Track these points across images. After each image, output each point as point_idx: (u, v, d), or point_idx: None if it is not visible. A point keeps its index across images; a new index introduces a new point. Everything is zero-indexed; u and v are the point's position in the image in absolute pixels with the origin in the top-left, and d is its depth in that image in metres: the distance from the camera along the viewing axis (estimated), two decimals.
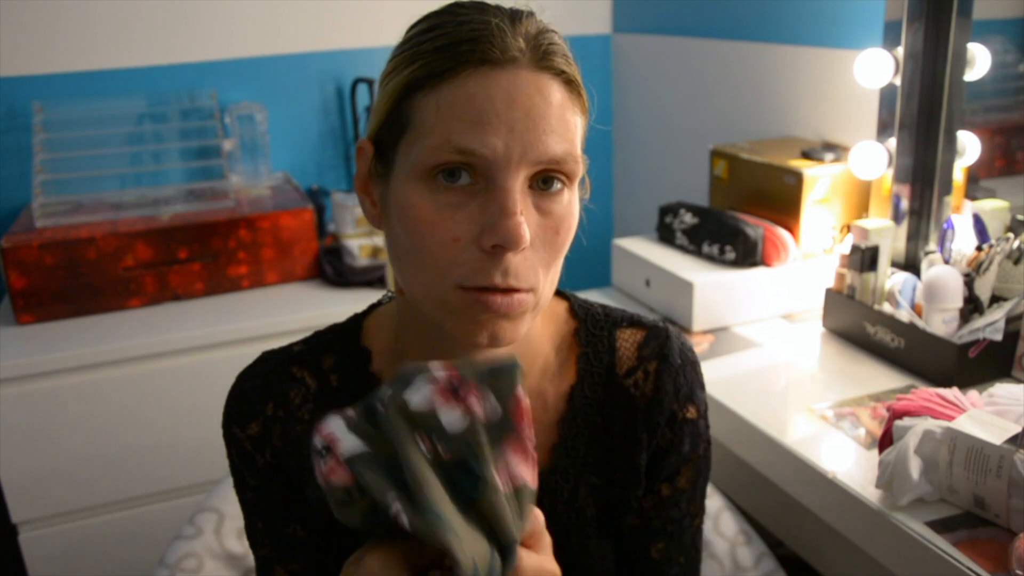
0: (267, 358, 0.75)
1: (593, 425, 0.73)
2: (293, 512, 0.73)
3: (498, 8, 0.61)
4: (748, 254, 1.51)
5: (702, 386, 0.76)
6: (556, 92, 0.59)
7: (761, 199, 1.59)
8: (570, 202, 0.62)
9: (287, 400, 0.73)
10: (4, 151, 1.85)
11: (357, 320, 0.77)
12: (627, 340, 0.74)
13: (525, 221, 0.57)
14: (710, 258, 1.57)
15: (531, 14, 0.62)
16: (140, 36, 1.90)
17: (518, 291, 0.60)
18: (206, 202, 1.77)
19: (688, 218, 1.62)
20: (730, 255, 1.53)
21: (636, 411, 0.73)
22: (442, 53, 0.58)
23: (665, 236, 1.68)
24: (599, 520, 0.74)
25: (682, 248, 1.64)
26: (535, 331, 0.72)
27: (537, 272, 0.61)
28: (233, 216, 1.70)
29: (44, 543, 1.59)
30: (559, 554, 0.63)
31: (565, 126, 0.59)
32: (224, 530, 1.14)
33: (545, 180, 0.60)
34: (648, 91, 2.25)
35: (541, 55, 0.59)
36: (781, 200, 1.54)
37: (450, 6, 0.63)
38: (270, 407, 0.72)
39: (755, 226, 1.53)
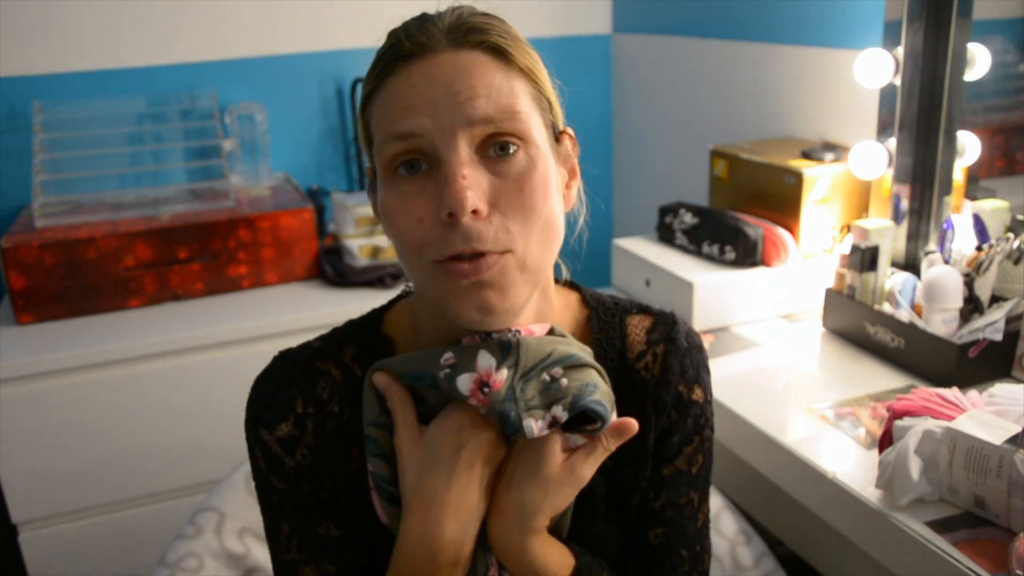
0: (287, 356, 0.76)
1: None
2: (326, 510, 0.74)
3: (429, 13, 0.68)
4: (748, 254, 1.51)
5: (708, 371, 0.78)
6: (478, 61, 0.63)
7: (761, 199, 1.59)
8: (533, 161, 0.64)
9: (316, 395, 0.73)
10: (4, 151, 1.85)
11: (377, 313, 0.79)
12: (637, 326, 0.78)
13: (474, 186, 0.61)
14: (710, 258, 1.57)
15: (459, 8, 0.67)
16: (140, 36, 1.90)
17: (486, 254, 0.62)
18: (206, 202, 1.77)
19: (688, 218, 1.62)
20: (730, 255, 1.53)
21: (646, 392, 0.75)
22: (376, 67, 0.66)
23: (665, 236, 1.68)
24: (608, 499, 0.76)
25: (682, 248, 1.64)
26: (553, 319, 0.74)
27: (509, 233, 0.63)
28: (233, 216, 1.70)
29: (44, 543, 1.58)
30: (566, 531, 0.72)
31: (496, 87, 0.63)
32: (225, 530, 1.14)
33: (501, 146, 0.63)
34: (648, 91, 2.25)
35: (458, 35, 0.64)
36: (781, 200, 1.54)
37: (398, 27, 0.69)
38: (299, 405, 0.73)
39: (755, 226, 1.53)
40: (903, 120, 1.43)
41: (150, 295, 1.67)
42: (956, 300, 1.22)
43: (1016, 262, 1.22)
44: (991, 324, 1.17)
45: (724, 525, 1.19)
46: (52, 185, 1.73)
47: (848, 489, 0.99)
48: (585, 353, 0.69)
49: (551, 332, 0.70)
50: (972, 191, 1.45)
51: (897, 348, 1.27)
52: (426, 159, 0.63)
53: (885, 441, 0.99)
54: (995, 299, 1.23)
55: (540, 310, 0.72)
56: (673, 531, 0.76)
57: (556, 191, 0.67)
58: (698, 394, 0.76)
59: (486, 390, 0.65)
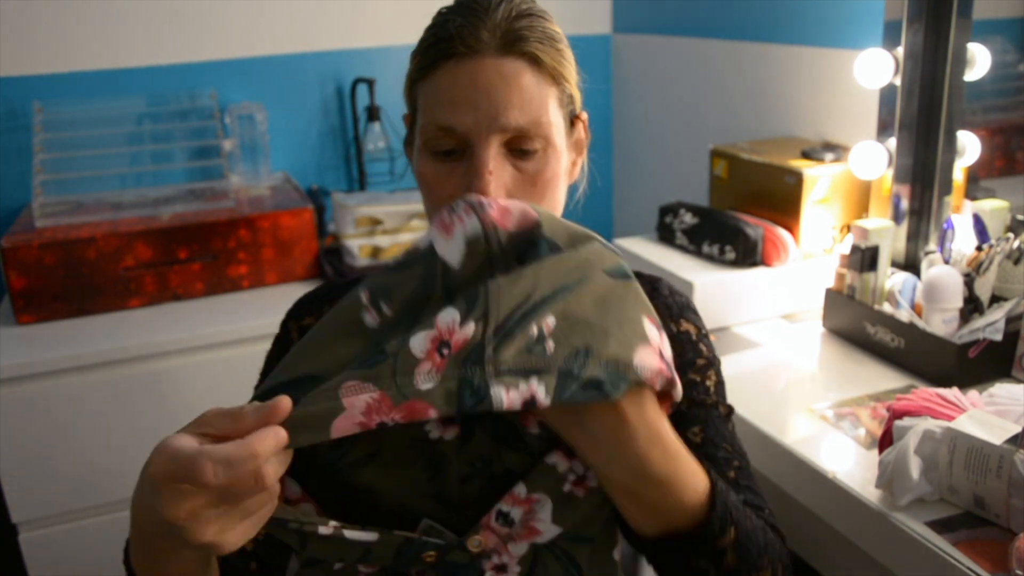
0: (330, 283, 0.88)
1: None
2: None
3: (478, 3, 0.73)
4: (748, 254, 1.51)
5: (696, 314, 0.83)
6: (520, 71, 0.71)
7: (761, 199, 1.59)
8: (548, 159, 0.73)
9: None
10: (4, 151, 1.85)
11: None
12: None
13: (497, 177, 0.70)
14: (710, 258, 1.57)
15: (511, 3, 0.73)
16: (140, 36, 1.90)
17: None
18: (206, 202, 1.77)
19: (688, 218, 1.62)
20: (730, 255, 1.53)
21: None
22: (426, 52, 0.73)
23: (665, 236, 1.68)
24: None
25: (682, 248, 1.64)
26: None
27: None
28: (233, 216, 1.70)
29: (44, 543, 1.58)
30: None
31: (529, 99, 0.70)
32: None
33: (524, 149, 0.71)
34: (648, 91, 2.25)
35: (506, 43, 0.70)
36: (781, 200, 1.54)
37: (447, 6, 0.75)
38: (327, 306, 0.83)
39: (755, 226, 1.53)
40: (903, 120, 1.43)
41: (150, 295, 1.67)
42: (956, 300, 1.22)
43: (1016, 262, 1.22)
44: (991, 324, 1.17)
45: None
46: (52, 185, 1.73)
47: (848, 489, 0.99)
48: (576, 242, 0.59)
49: (535, 227, 0.58)
50: (972, 191, 1.45)
51: (897, 348, 1.27)
52: (460, 145, 0.71)
53: (885, 441, 0.99)
54: (995, 299, 1.23)
55: None
56: (709, 428, 0.76)
57: (563, 176, 0.76)
58: (686, 327, 0.81)
59: (445, 351, 0.53)
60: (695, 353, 0.79)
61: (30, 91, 1.84)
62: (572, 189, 0.82)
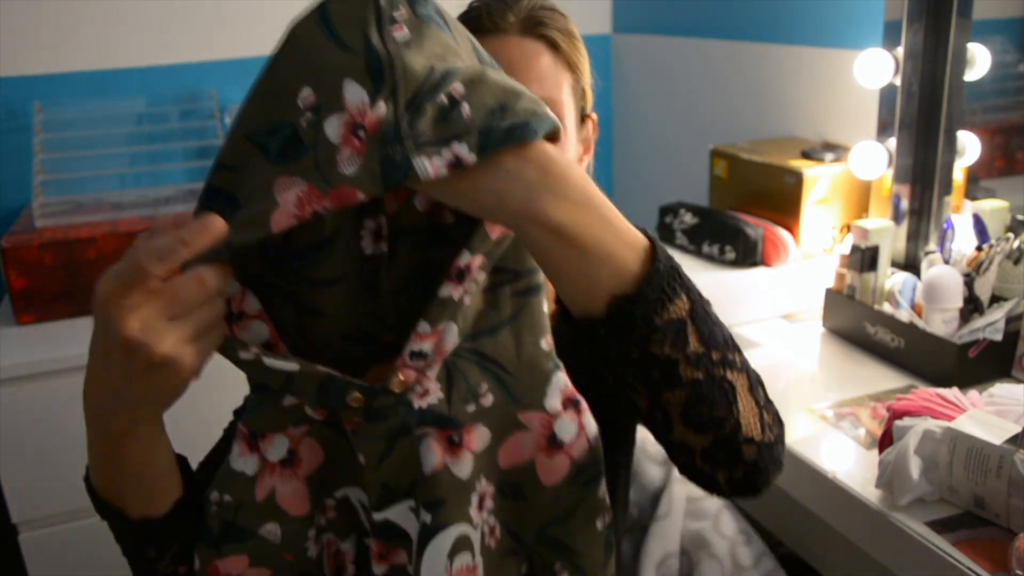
0: None
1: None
2: None
3: None
4: (748, 254, 1.51)
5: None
6: (539, 52, 0.76)
7: (761, 199, 1.59)
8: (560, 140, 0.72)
9: None
10: (4, 151, 1.85)
11: None
12: None
13: None
14: (710, 258, 1.57)
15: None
16: (140, 36, 1.90)
17: None
18: None
19: (688, 218, 1.62)
20: (730, 255, 1.53)
21: None
22: (462, 18, 0.77)
23: (665, 236, 1.68)
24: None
25: (682, 248, 1.64)
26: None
27: None
28: None
29: (44, 543, 1.58)
30: None
31: (544, 77, 0.76)
32: None
33: None
34: (648, 91, 2.25)
35: (528, 25, 0.76)
36: (781, 200, 1.54)
37: None
38: None
39: (755, 226, 1.53)
40: (903, 120, 1.43)
41: None
42: (956, 300, 1.22)
43: (1016, 262, 1.22)
44: (991, 324, 1.17)
45: (724, 525, 1.19)
46: (52, 185, 1.72)
47: (848, 489, 0.99)
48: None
49: None
50: (972, 191, 1.45)
51: (897, 348, 1.27)
52: None
53: (885, 441, 0.99)
54: (995, 299, 1.23)
55: None
56: None
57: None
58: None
59: (361, 134, 0.53)
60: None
61: (30, 91, 1.84)
62: None
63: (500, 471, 0.66)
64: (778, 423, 0.62)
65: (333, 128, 0.53)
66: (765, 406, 0.61)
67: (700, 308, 0.58)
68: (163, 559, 0.68)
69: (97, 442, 0.64)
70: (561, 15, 0.80)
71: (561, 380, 0.65)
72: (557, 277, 0.56)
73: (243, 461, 0.66)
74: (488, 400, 0.64)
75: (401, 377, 0.61)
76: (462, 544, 0.65)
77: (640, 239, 0.57)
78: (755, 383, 0.61)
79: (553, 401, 0.65)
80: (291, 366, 0.61)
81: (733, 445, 0.58)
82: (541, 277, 0.63)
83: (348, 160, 0.53)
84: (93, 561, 1.62)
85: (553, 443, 0.65)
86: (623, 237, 0.55)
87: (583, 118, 0.82)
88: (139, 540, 0.67)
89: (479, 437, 0.65)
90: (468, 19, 0.78)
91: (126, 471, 0.64)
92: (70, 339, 1.55)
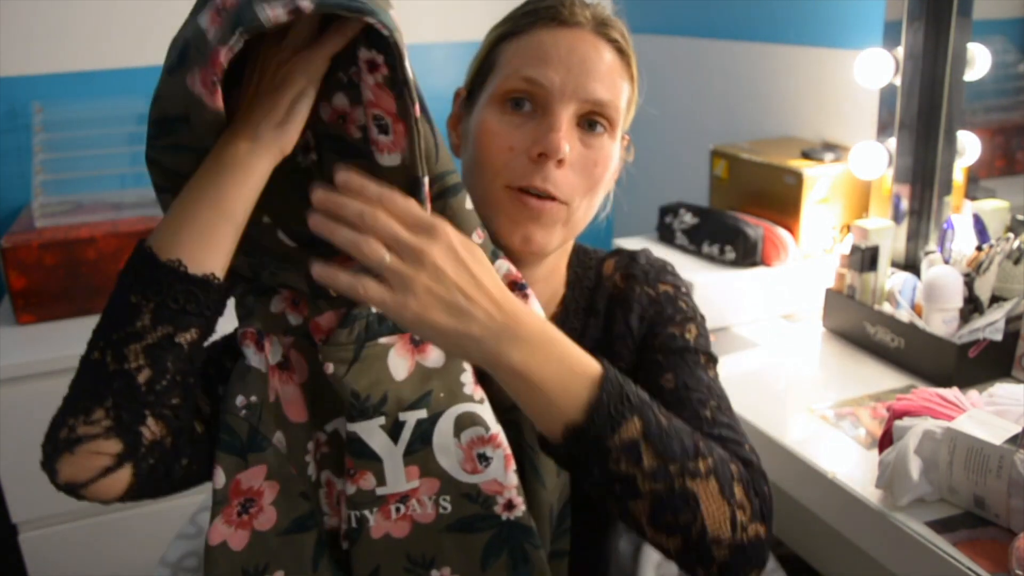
0: None
1: (585, 323, 0.84)
2: None
3: None
4: (748, 254, 1.51)
5: (674, 275, 0.86)
6: (609, 55, 0.76)
7: (761, 199, 1.60)
8: (609, 147, 0.77)
9: None
10: (4, 151, 1.85)
11: None
12: (609, 265, 0.88)
13: (568, 140, 0.73)
14: (710, 258, 1.57)
15: (599, 5, 0.79)
16: (140, 36, 1.90)
17: (553, 199, 0.74)
18: None
19: (688, 218, 1.62)
20: (730, 255, 1.53)
21: (616, 300, 0.84)
22: (527, 16, 0.77)
23: (665, 236, 1.68)
24: None
25: (682, 248, 1.64)
26: (559, 274, 0.85)
27: (573, 189, 0.75)
28: None
29: (44, 543, 1.58)
30: None
31: (612, 81, 0.76)
32: None
33: (591, 123, 0.75)
34: (648, 91, 2.25)
35: (600, 25, 0.77)
36: (781, 200, 1.54)
37: None
38: None
39: (755, 226, 1.53)
40: (903, 120, 1.43)
41: None
42: (956, 300, 1.22)
43: (1016, 262, 1.22)
44: (991, 324, 1.17)
45: None
46: (52, 185, 1.72)
47: (848, 489, 0.99)
48: None
49: None
50: (972, 191, 1.45)
51: (897, 348, 1.27)
52: (535, 103, 0.74)
53: (885, 441, 0.99)
54: (995, 299, 1.23)
55: (554, 267, 0.83)
56: (683, 373, 0.76)
57: (610, 177, 0.79)
58: (664, 288, 0.84)
59: (223, 13, 0.62)
60: (674, 309, 0.82)
61: (30, 91, 1.83)
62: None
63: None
64: (759, 518, 0.64)
65: (204, 19, 0.64)
66: (740, 505, 0.63)
67: (654, 426, 0.61)
68: (187, 337, 0.64)
69: (201, 186, 0.64)
70: (625, 29, 0.81)
71: (503, 267, 0.72)
72: (523, 408, 0.62)
73: (258, 358, 0.71)
74: None
75: None
76: (464, 421, 0.70)
77: (592, 368, 0.61)
78: (727, 483, 0.63)
79: None
80: (290, 243, 0.70)
81: (702, 547, 0.61)
82: (456, 177, 0.70)
83: (212, 33, 0.62)
84: (93, 561, 1.62)
85: None
86: (575, 369, 0.60)
87: (623, 135, 0.84)
88: (192, 301, 0.64)
89: None
90: (544, 7, 0.77)
91: (219, 213, 0.63)
92: (70, 339, 1.55)
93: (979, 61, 1.36)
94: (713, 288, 1.48)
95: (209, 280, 0.63)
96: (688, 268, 1.53)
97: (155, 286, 0.64)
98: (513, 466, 0.70)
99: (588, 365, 0.61)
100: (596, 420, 0.59)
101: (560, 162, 0.73)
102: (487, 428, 0.70)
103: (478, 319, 0.57)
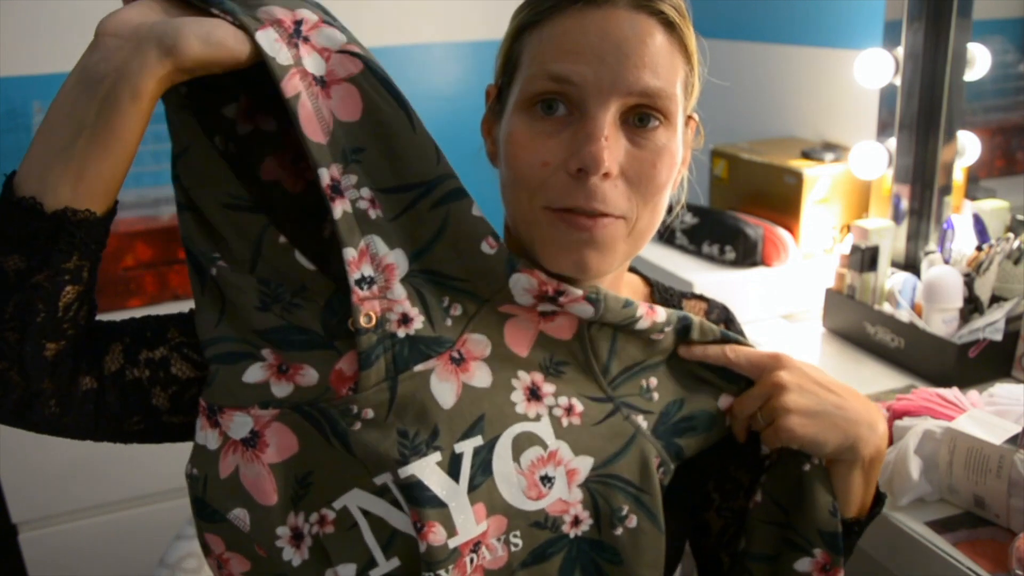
0: None
1: None
2: None
3: None
4: (748, 254, 1.51)
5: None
6: (653, 31, 0.62)
7: (761, 199, 1.60)
8: (669, 140, 0.64)
9: None
10: (4, 151, 1.85)
11: None
12: (694, 307, 0.80)
13: (611, 148, 0.60)
14: (710, 258, 1.57)
15: None
16: None
17: (605, 215, 0.62)
18: None
19: (688, 218, 1.62)
20: (730, 255, 1.53)
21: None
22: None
23: (665, 236, 1.68)
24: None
25: (682, 248, 1.64)
26: (620, 291, 0.75)
27: (629, 200, 0.63)
28: None
29: (44, 543, 1.59)
30: None
31: (660, 65, 0.62)
32: None
33: (641, 118, 0.62)
34: None
35: None
36: (781, 200, 1.54)
37: None
38: None
39: (755, 226, 1.53)
40: (903, 120, 1.43)
41: (150, 295, 1.67)
42: (956, 300, 1.22)
43: (1016, 262, 1.22)
44: (991, 324, 1.17)
45: None
46: None
47: None
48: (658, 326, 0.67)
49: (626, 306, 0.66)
50: (972, 191, 1.45)
51: (897, 348, 1.27)
52: (569, 104, 0.62)
53: None
54: (995, 299, 1.23)
55: (615, 279, 0.72)
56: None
57: (674, 177, 0.67)
58: None
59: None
60: None
61: (30, 91, 1.83)
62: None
63: (524, 358, 0.65)
64: None
65: None
66: None
67: None
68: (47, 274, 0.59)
69: (79, 110, 0.57)
70: None
71: (522, 280, 0.63)
72: (852, 489, 0.70)
73: (204, 435, 0.64)
74: (458, 310, 0.64)
75: (364, 310, 0.61)
76: (523, 442, 0.64)
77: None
78: None
79: (525, 300, 0.64)
80: (309, 266, 0.63)
81: None
82: (456, 182, 0.62)
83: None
84: (93, 561, 1.62)
85: (544, 315, 0.66)
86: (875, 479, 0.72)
87: (688, 118, 0.71)
88: (37, 237, 0.58)
89: (476, 344, 0.64)
90: None
91: (98, 150, 0.58)
92: None
93: (979, 61, 1.36)
94: (713, 288, 1.48)
95: (26, 205, 0.57)
96: (688, 268, 1.53)
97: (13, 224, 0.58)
98: (577, 480, 0.66)
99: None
100: (879, 509, 0.72)
101: (606, 175, 0.61)
102: (545, 446, 0.65)
103: (855, 417, 0.67)
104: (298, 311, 0.63)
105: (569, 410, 0.66)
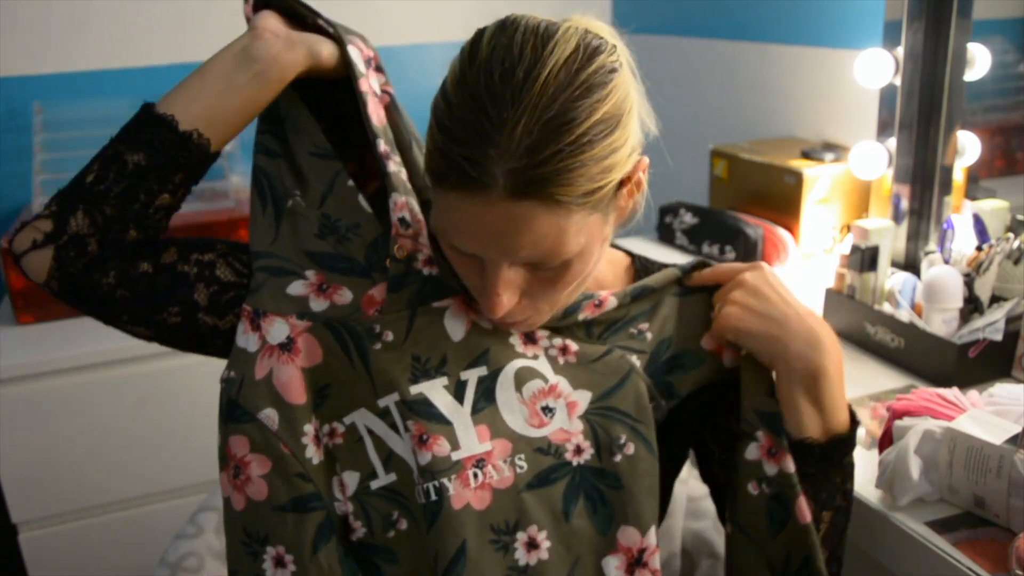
0: None
1: None
2: None
3: (489, 120, 0.61)
4: (748, 254, 1.51)
5: None
6: (532, 215, 0.62)
7: (761, 199, 1.60)
8: (570, 264, 0.67)
9: None
10: (4, 151, 1.85)
11: None
12: (669, 273, 0.84)
13: (506, 291, 0.67)
14: (710, 258, 1.57)
15: (529, 132, 0.60)
16: (140, 36, 1.90)
17: (516, 322, 0.72)
18: (206, 202, 1.77)
19: (688, 218, 1.63)
20: (730, 255, 1.53)
21: None
22: (442, 155, 0.63)
23: (665, 236, 1.68)
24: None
25: (682, 248, 1.64)
26: (597, 275, 0.83)
27: (538, 309, 0.71)
28: (233, 216, 1.70)
29: (44, 543, 1.59)
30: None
31: (542, 238, 0.63)
32: None
33: (538, 268, 0.68)
34: (648, 91, 2.25)
35: (519, 186, 0.60)
36: (781, 200, 1.54)
37: (470, 73, 0.63)
38: None
39: (755, 226, 1.53)
40: (903, 120, 1.43)
41: None
42: (956, 300, 1.22)
43: (1016, 262, 1.22)
44: (991, 324, 1.17)
45: None
46: (52, 185, 1.72)
47: None
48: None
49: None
50: (972, 191, 1.45)
51: (897, 348, 1.27)
52: None
53: (885, 441, 0.99)
54: (995, 299, 1.23)
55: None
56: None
57: (597, 252, 0.70)
58: None
59: None
60: None
61: (30, 91, 1.83)
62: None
63: (528, 303, 0.71)
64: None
65: None
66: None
67: (852, 462, 0.78)
68: (167, 192, 0.78)
69: (233, 72, 0.78)
70: (568, 124, 0.61)
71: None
72: (792, 405, 0.75)
73: (245, 338, 0.75)
74: None
75: (400, 243, 0.73)
76: (525, 375, 0.73)
77: (847, 404, 0.78)
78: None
79: None
80: (368, 208, 0.76)
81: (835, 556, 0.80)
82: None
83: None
84: (93, 561, 1.62)
85: None
86: (844, 397, 0.77)
87: (622, 182, 0.70)
88: (146, 130, 0.78)
89: None
90: (455, 155, 0.61)
91: (239, 100, 0.77)
92: (70, 339, 1.55)
93: (979, 61, 1.36)
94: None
95: (165, 119, 0.76)
96: None
97: (133, 119, 0.79)
98: (577, 412, 0.74)
99: (845, 397, 0.77)
100: (848, 441, 0.76)
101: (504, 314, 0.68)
102: (546, 380, 0.73)
103: (795, 330, 0.73)
104: (348, 244, 0.75)
105: (564, 350, 0.75)
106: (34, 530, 1.58)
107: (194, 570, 1.09)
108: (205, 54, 0.82)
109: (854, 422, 0.77)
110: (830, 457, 0.75)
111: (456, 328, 0.74)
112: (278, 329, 0.74)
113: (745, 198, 1.63)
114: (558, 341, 0.75)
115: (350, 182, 0.77)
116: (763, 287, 0.75)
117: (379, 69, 0.84)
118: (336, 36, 0.80)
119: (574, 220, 0.64)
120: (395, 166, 0.76)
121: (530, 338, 0.75)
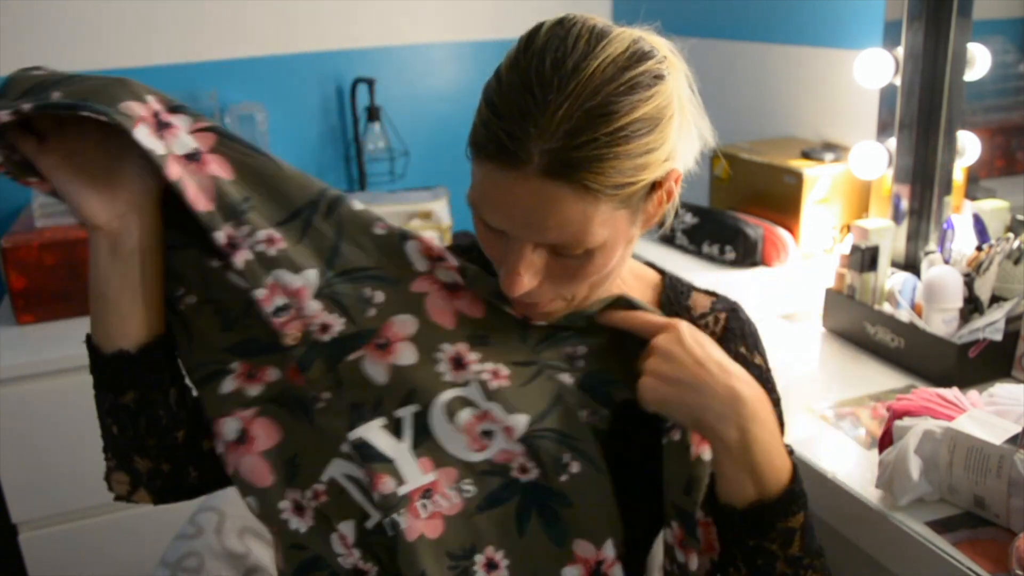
0: None
1: None
2: None
3: (534, 97, 0.63)
4: (748, 254, 1.51)
5: (765, 352, 0.85)
6: (561, 198, 0.64)
7: (761, 199, 1.60)
8: (593, 255, 0.69)
9: None
10: None
11: None
12: (702, 298, 0.86)
13: (528, 271, 0.68)
14: (710, 258, 1.57)
15: (569, 117, 0.62)
16: (140, 36, 1.90)
17: (534, 305, 0.72)
18: None
19: (688, 218, 1.63)
20: (730, 255, 1.53)
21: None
22: (484, 128, 0.65)
23: (665, 236, 1.68)
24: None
25: (682, 248, 1.64)
26: (625, 287, 0.83)
27: (560, 294, 0.71)
28: None
29: (44, 543, 1.58)
30: (625, 455, 0.77)
31: (568, 222, 0.65)
32: (225, 529, 1.14)
33: (561, 252, 0.68)
34: None
35: (554, 166, 0.62)
36: (781, 200, 1.54)
37: (524, 58, 0.65)
38: None
39: (755, 226, 1.53)
40: (903, 120, 1.43)
41: None
42: (956, 300, 1.22)
43: (1016, 262, 1.22)
44: (991, 324, 1.17)
45: None
46: None
47: (848, 489, 0.99)
48: None
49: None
50: (972, 191, 1.45)
51: (897, 348, 1.28)
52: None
53: (885, 441, 0.99)
54: (995, 299, 1.23)
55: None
56: None
57: (621, 250, 0.71)
58: (759, 360, 0.83)
59: None
60: (767, 387, 0.78)
61: None
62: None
63: (450, 331, 0.75)
64: None
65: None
66: None
67: (809, 522, 0.71)
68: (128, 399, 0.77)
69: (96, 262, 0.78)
70: (606, 116, 0.63)
71: (413, 245, 0.75)
72: (721, 469, 0.70)
73: (216, 445, 0.78)
74: (380, 297, 0.75)
75: (287, 331, 0.73)
76: (455, 406, 0.74)
77: (786, 459, 0.71)
78: None
79: (421, 264, 0.76)
80: (245, 284, 0.73)
81: None
82: (334, 190, 0.76)
83: None
84: (93, 561, 1.62)
85: (449, 289, 0.76)
86: (781, 456, 0.70)
87: (654, 186, 0.71)
88: (113, 376, 0.76)
89: (402, 325, 0.75)
90: (495, 128, 0.64)
91: (119, 286, 0.75)
92: (70, 339, 1.55)
93: (979, 61, 1.36)
94: (713, 288, 1.48)
95: (121, 354, 0.75)
96: (688, 268, 1.53)
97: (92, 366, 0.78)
98: (515, 435, 0.74)
99: (784, 454, 0.71)
100: (780, 506, 0.69)
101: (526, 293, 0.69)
102: (477, 407, 0.74)
103: (712, 393, 0.67)
104: (251, 326, 0.75)
105: (495, 374, 0.75)
106: (34, 530, 1.58)
107: (194, 570, 1.09)
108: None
109: (794, 482, 0.70)
110: (757, 523, 0.69)
111: (378, 372, 0.74)
112: (230, 427, 0.76)
113: (745, 198, 1.63)
114: (489, 365, 0.75)
115: (214, 262, 0.75)
116: (675, 350, 0.69)
117: (175, 110, 0.75)
118: (113, 120, 0.73)
119: (601, 210, 0.65)
120: (245, 253, 0.72)
121: (459, 364, 0.75)
